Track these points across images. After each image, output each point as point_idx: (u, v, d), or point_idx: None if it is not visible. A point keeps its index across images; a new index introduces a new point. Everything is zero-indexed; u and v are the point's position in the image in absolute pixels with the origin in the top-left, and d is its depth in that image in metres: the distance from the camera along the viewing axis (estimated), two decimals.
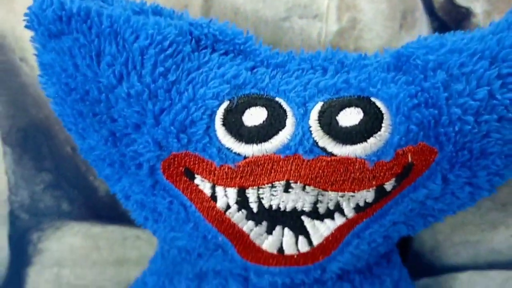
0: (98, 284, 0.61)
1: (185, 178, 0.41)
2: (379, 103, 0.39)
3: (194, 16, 0.45)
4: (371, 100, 0.39)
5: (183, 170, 0.41)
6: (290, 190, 0.39)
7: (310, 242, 0.42)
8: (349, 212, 0.41)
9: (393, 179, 0.39)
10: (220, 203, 0.41)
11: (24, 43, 0.49)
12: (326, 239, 0.42)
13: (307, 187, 0.39)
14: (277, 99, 0.39)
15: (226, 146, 0.39)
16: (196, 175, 0.40)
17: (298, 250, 0.42)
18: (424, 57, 0.38)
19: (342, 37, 0.49)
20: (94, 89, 0.38)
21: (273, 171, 0.39)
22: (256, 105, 0.39)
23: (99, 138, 0.40)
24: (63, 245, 0.59)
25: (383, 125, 0.38)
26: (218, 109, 0.39)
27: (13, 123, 0.52)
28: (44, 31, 0.37)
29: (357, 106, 0.38)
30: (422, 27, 0.49)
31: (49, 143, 0.53)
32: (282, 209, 0.40)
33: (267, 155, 0.39)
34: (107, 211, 0.57)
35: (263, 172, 0.39)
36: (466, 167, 0.39)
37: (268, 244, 0.42)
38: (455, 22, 0.50)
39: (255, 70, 0.41)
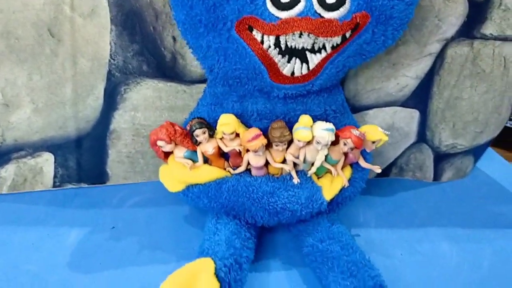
0: (157, 123, 0.95)
1: (248, 32, 0.78)
2: None
3: None
4: None
5: (247, 27, 0.77)
6: (302, 36, 0.78)
7: (308, 68, 0.81)
8: (329, 49, 0.81)
9: (350, 30, 0.80)
10: (265, 45, 0.78)
11: None
12: (316, 65, 0.82)
13: (310, 34, 0.78)
14: None
15: (271, 12, 0.76)
16: (254, 29, 0.77)
17: (301, 73, 0.82)
18: None
19: None
20: None
21: (294, 26, 0.77)
22: None
23: (204, 8, 0.75)
24: (139, 95, 0.91)
25: (346, 1, 0.78)
26: None
27: (119, 9, 0.83)
28: None
29: None
30: None
31: (140, 24, 0.85)
32: (297, 47, 0.79)
33: (291, 18, 0.77)
34: (169, 72, 0.91)
35: (289, 26, 0.77)
36: (383, 24, 0.81)
37: (287, 69, 0.81)
38: None
39: None
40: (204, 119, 0.83)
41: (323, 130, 0.81)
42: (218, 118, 0.87)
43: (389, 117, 1.06)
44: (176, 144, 0.84)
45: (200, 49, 0.81)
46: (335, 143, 0.85)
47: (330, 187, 0.87)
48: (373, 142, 0.88)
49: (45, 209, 0.89)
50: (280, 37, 0.77)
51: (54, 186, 0.94)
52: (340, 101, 0.91)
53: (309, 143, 0.84)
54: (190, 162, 0.84)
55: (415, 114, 1.07)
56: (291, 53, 0.79)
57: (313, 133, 0.82)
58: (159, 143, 0.83)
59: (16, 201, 0.90)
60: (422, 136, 1.11)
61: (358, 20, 0.79)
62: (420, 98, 1.05)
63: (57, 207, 0.90)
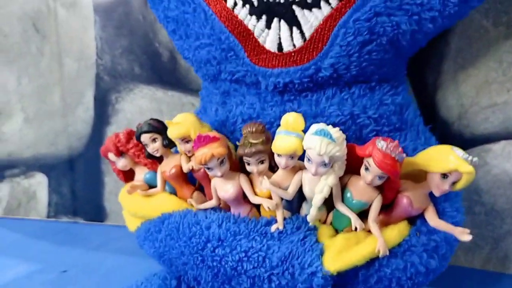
0: None
1: None
2: None
3: None
4: None
5: None
6: None
7: (303, 35, 0.49)
8: (333, 0, 0.47)
9: None
10: (229, 1, 0.50)
11: None
12: (316, 30, 0.49)
13: None
14: None
15: None
16: None
17: (294, 45, 0.50)
18: None
19: None
20: None
21: None
22: None
23: None
24: (134, 107, 0.72)
25: None
26: None
27: None
28: None
29: None
30: None
31: (126, 11, 0.68)
32: (277, 0, 0.48)
33: None
34: (168, 76, 0.69)
35: None
36: None
37: (269, 40, 0.50)
38: None
39: None
40: (160, 122, 0.57)
41: (313, 135, 0.45)
42: None
43: None
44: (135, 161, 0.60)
45: (165, 26, 0.58)
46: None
47: (343, 250, 0.47)
48: (445, 176, 0.46)
49: (33, 239, 0.75)
50: None
51: (48, 216, 0.79)
52: (392, 106, 0.53)
53: None
54: (143, 185, 0.59)
55: None
56: (269, 10, 0.49)
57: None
58: (110, 156, 0.60)
59: (8, 226, 0.79)
60: None
61: None
62: None
63: (42, 238, 0.75)
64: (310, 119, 0.52)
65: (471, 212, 0.63)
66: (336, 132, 0.45)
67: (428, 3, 0.47)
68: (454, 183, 0.46)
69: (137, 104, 0.72)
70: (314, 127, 0.46)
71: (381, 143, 0.44)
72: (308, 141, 0.45)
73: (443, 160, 0.46)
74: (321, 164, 0.45)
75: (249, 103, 0.55)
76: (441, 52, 0.60)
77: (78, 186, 0.77)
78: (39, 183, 0.78)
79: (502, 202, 0.61)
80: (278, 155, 0.48)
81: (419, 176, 0.48)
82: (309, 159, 0.46)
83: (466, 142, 0.61)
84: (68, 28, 0.71)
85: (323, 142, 0.44)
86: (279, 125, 0.52)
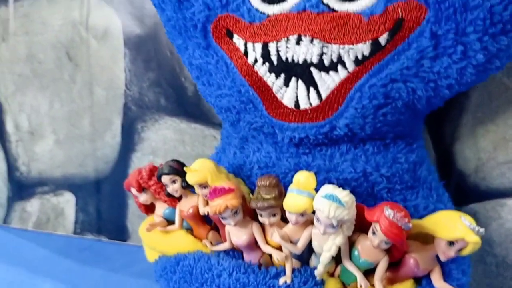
0: None
1: (227, 38, 0.53)
2: None
3: None
4: None
5: (225, 31, 0.53)
6: (300, 42, 0.49)
7: (319, 95, 0.50)
8: (350, 65, 0.48)
9: (386, 33, 0.46)
10: (250, 58, 0.52)
11: None
12: (332, 92, 0.50)
13: (314, 40, 0.48)
14: None
15: (254, 6, 0.51)
16: (234, 34, 0.53)
17: (310, 103, 0.51)
18: None
19: None
20: None
21: (288, 26, 0.49)
22: None
23: (171, 6, 0.55)
24: (158, 136, 0.75)
25: None
26: None
27: (132, 30, 0.72)
28: None
29: None
30: None
31: (155, 47, 0.71)
32: (295, 61, 0.50)
33: (284, 14, 0.49)
34: (192, 109, 0.72)
35: (281, 28, 0.50)
36: (451, 20, 0.45)
37: (287, 97, 0.52)
38: None
39: None
40: (181, 164, 0.59)
41: (323, 198, 0.47)
42: None
43: None
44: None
45: (189, 71, 0.61)
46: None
47: None
48: (451, 244, 0.47)
49: (56, 254, 0.80)
50: (269, 44, 0.50)
51: (75, 232, 0.83)
52: (405, 164, 0.53)
53: None
54: (160, 220, 0.61)
55: None
56: (287, 69, 0.51)
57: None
58: (132, 190, 0.63)
59: (36, 240, 0.83)
60: None
61: (400, 14, 0.46)
62: None
63: (67, 255, 0.79)
64: (323, 173, 0.53)
65: (482, 261, 0.63)
66: (345, 196, 0.46)
67: (445, 72, 0.47)
68: (459, 249, 0.47)
69: (161, 134, 0.74)
70: (324, 190, 0.47)
71: (388, 211, 0.45)
72: (317, 203, 0.47)
73: (450, 227, 0.47)
74: (329, 226, 0.47)
75: (266, 151, 0.57)
76: (461, 104, 0.60)
77: (103, 206, 0.81)
78: (67, 201, 0.83)
79: None
80: (288, 211, 0.49)
81: (428, 237, 0.50)
82: (318, 219, 0.47)
83: (482, 194, 0.62)
84: (99, 59, 0.74)
85: (331, 206, 0.46)
86: (293, 175, 0.54)
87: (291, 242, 0.52)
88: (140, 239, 0.80)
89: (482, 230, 0.46)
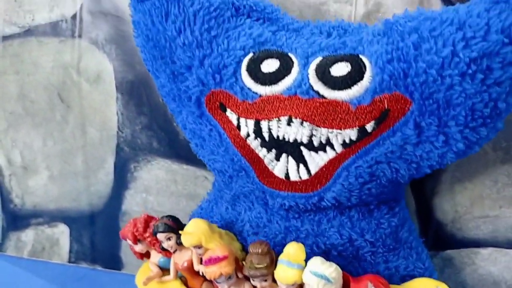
0: (173, 212, 0.76)
1: (220, 111, 0.55)
2: (364, 59, 0.49)
3: None
4: (359, 57, 0.49)
5: (218, 104, 0.55)
6: (291, 124, 0.51)
7: (308, 171, 0.53)
8: (338, 147, 0.51)
9: (373, 121, 0.49)
10: (243, 132, 0.54)
11: None
12: (321, 169, 0.53)
13: (304, 122, 0.50)
14: (289, 54, 0.52)
15: (247, 86, 0.52)
16: (227, 108, 0.55)
17: (300, 177, 0.54)
18: (403, 24, 0.48)
19: (369, 18, 0.60)
20: (162, 39, 0.55)
21: (279, 108, 0.51)
22: (272, 57, 0.52)
23: (165, 76, 0.57)
24: (151, 176, 0.77)
25: (364, 76, 0.48)
26: (244, 58, 0.53)
27: (125, 76, 0.72)
28: None
29: (347, 61, 0.49)
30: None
31: (147, 93, 0.72)
32: (286, 139, 0.52)
33: (275, 95, 0.51)
34: (184, 152, 0.74)
35: (272, 108, 0.52)
36: (434, 115, 0.47)
37: (278, 169, 0.54)
38: None
39: (276, 32, 0.54)
40: (175, 220, 0.62)
41: (311, 274, 0.50)
42: (214, 219, 0.65)
43: None
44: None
45: (183, 130, 0.63)
46: None
47: None
48: None
49: (53, 283, 0.82)
50: (261, 122, 0.53)
51: (69, 260, 0.86)
52: (387, 229, 0.57)
53: None
54: (155, 271, 0.65)
55: None
56: (278, 146, 0.53)
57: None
58: (128, 241, 0.66)
59: (32, 268, 0.86)
60: None
61: (386, 106, 0.48)
62: None
63: (64, 284, 0.82)
64: (312, 238, 0.57)
65: None
66: (332, 272, 0.50)
67: (427, 155, 0.50)
68: None
69: (154, 174, 0.76)
70: (313, 266, 0.51)
71: None
72: (307, 279, 0.51)
73: None
74: None
75: (257, 211, 0.60)
76: None
77: (97, 238, 0.83)
78: (62, 232, 0.85)
79: None
80: (281, 283, 0.53)
81: None
82: None
83: (458, 242, 0.66)
84: (91, 101, 0.74)
85: (320, 283, 0.50)
86: (283, 237, 0.58)
87: None
88: (134, 268, 0.83)
89: None
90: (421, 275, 0.58)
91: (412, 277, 0.57)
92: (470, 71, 0.44)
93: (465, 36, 0.44)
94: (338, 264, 0.53)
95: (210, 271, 0.55)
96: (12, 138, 0.80)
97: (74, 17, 0.72)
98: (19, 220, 0.86)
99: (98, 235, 0.83)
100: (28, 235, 0.86)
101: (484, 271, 0.65)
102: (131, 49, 0.71)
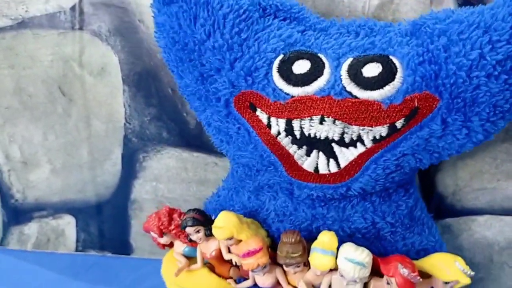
0: (184, 198, 0.79)
1: (249, 110, 0.57)
2: (395, 60, 0.51)
3: None
4: (389, 58, 0.52)
5: (248, 104, 0.56)
6: (324, 122, 0.53)
7: (338, 165, 0.56)
8: (368, 143, 0.54)
9: (403, 119, 0.52)
10: (273, 130, 0.56)
11: (143, 8, 0.68)
12: (351, 163, 0.56)
13: (336, 121, 0.53)
14: (319, 54, 0.54)
15: (279, 87, 0.54)
16: (257, 108, 0.56)
17: (329, 170, 0.57)
18: (432, 26, 0.50)
19: (382, 9, 0.62)
20: (191, 42, 0.55)
21: (312, 107, 0.53)
22: (303, 58, 0.54)
23: (192, 78, 0.57)
24: (161, 165, 0.77)
25: (396, 76, 0.51)
26: (275, 60, 0.54)
27: (131, 68, 0.71)
28: (160, 0, 0.54)
29: (377, 62, 0.52)
30: (449, 3, 0.60)
31: (156, 84, 0.71)
32: (318, 137, 0.54)
33: (308, 96, 0.53)
34: (194, 140, 0.75)
35: (305, 108, 0.54)
36: (461, 112, 0.51)
37: (307, 164, 0.57)
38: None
39: (304, 33, 0.55)
40: (202, 213, 0.64)
41: (347, 261, 0.55)
42: (235, 208, 0.67)
43: (510, 230, 0.71)
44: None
45: (206, 128, 0.63)
46: (381, 274, 0.58)
47: None
48: (447, 283, 0.57)
49: (62, 274, 0.83)
50: (293, 121, 0.54)
51: (77, 250, 0.86)
52: (405, 210, 0.62)
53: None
54: (183, 262, 0.67)
55: None
56: (310, 143, 0.55)
57: (337, 259, 0.56)
58: (152, 234, 0.67)
59: (37, 261, 0.86)
60: None
61: (416, 104, 0.51)
62: None
63: (74, 274, 0.83)
64: (337, 223, 0.61)
65: None
66: (366, 257, 0.55)
67: (449, 146, 0.55)
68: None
69: (164, 163, 0.77)
70: (347, 252, 0.55)
71: (403, 270, 0.54)
72: (342, 265, 0.55)
73: (446, 271, 0.57)
74: (352, 281, 0.55)
75: (282, 200, 0.63)
76: None
77: (105, 226, 0.83)
78: (68, 223, 0.84)
79: (479, 258, 0.73)
80: (316, 269, 0.57)
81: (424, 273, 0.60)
82: (342, 275, 0.56)
83: (457, 212, 0.72)
84: (96, 93, 0.72)
85: (356, 269, 0.54)
86: (309, 224, 0.61)
87: (313, 287, 0.60)
88: (144, 253, 0.85)
89: (472, 273, 0.56)
90: (433, 247, 0.64)
91: (425, 250, 0.63)
92: (496, 73, 0.48)
93: (491, 39, 0.48)
94: (361, 245, 0.58)
95: (248, 263, 0.58)
96: (9, 133, 0.78)
97: (73, 8, 0.68)
98: (21, 214, 0.84)
99: (107, 223, 0.84)
100: (31, 228, 0.85)
101: (480, 235, 0.72)
102: (138, 41, 0.69)
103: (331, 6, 0.63)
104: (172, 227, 0.66)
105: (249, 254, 0.58)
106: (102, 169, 0.79)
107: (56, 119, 0.76)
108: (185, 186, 0.79)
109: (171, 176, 0.78)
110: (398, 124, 0.52)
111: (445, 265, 0.57)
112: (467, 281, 0.56)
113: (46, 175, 0.80)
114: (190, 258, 0.68)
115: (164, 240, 0.67)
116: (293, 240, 0.58)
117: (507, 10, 0.48)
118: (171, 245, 0.69)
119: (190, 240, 0.65)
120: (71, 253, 0.87)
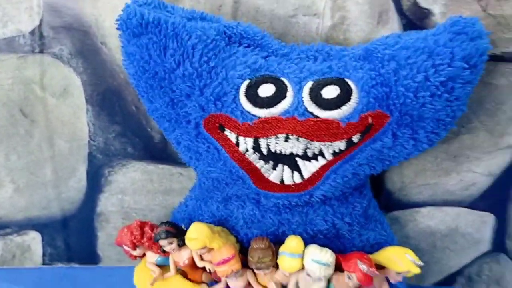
0: (150, 208, 0.82)
1: (219, 131, 0.61)
2: (351, 83, 0.57)
3: (226, 14, 0.64)
4: (345, 81, 0.57)
5: (218, 125, 0.60)
6: (288, 140, 0.58)
7: (302, 176, 0.61)
8: (329, 156, 0.60)
9: (359, 134, 0.58)
10: (242, 148, 0.60)
11: (104, 30, 0.69)
12: (313, 174, 0.61)
13: (300, 138, 0.58)
14: (282, 78, 0.58)
15: (246, 109, 0.58)
16: (226, 129, 0.60)
17: (293, 181, 0.62)
18: (382, 51, 0.56)
19: (334, 29, 0.67)
20: (161, 71, 0.57)
21: (277, 127, 0.58)
22: (267, 82, 0.58)
23: (163, 103, 0.60)
24: (126, 178, 0.80)
25: (352, 98, 0.57)
26: (241, 85, 0.58)
27: (95, 89, 0.72)
28: (130, 32, 0.57)
29: (335, 84, 0.57)
30: (394, 23, 0.66)
31: (119, 103, 0.73)
32: (283, 153, 0.60)
33: (274, 117, 0.58)
34: (159, 153, 0.77)
35: (271, 127, 0.58)
36: (409, 126, 0.58)
37: (273, 176, 0.62)
38: (419, 20, 0.66)
39: (267, 58, 0.60)
40: (174, 225, 0.68)
41: (314, 262, 0.61)
42: (204, 217, 0.71)
43: (450, 219, 0.80)
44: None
45: (175, 147, 0.67)
46: (341, 269, 0.64)
47: None
48: (399, 273, 0.65)
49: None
50: (260, 139, 0.59)
51: (44, 263, 0.87)
52: (360, 210, 0.69)
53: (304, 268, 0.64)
54: (157, 271, 0.71)
55: (488, 218, 0.79)
56: (276, 159, 0.60)
57: (303, 261, 0.62)
58: (125, 247, 0.70)
59: (4, 277, 0.85)
60: (501, 246, 0.82)
61: (370, 121, 0.57)
62: (495, 199, 0.77)
63: (42, 287, 0.84)
64: (302, 226, 0.67)
65: None
66: (330, 257, 0.61)
67: (398, 155, 0.62)
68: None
69: (129, 176, 0.79)
70: (313, 253, 0.61)
71: (362, 266, 0.61)
72: (309, 266, 0.61)
73: (398, 263, 0.64)
74: (317, 280, 0.62)
75: (250, 209, 0.67)
76: None
77: (71, 239, 0.85)
78: (33, 238, 0.84)
79: (423, 245, 0.82)
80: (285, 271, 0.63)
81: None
82: (309, 274, 0.62)
83: (403, 205, 0.80)
84: (59, 114, 0.73)
85: (322, 269, 0.61)
86: (276, 229, 0.67)
87: (282, 286, 0.66)
88: (111, 261, 0.88)
89: (422, 264, 0.64)
90: (385, 241, 0.71)
91: (379, 244, 0.70)
92: (439, 92, 0.55)
93: (434, 63, 0.54)
94: (323, 244, 0.64)
95: (222, 271, 0.63)
96: None
97: (33, 32, 0.68)
98: None
99: (73, 236, 0.85)
100: None
101: (424, 225, 0.81)
102: (101, 62, 0.70)
103: (288, 27, 0.67)
104: (145, 239, 0.69)
105: (223, 262, 0.63)
106: (67, 186, 0.80)
107: (18, 140, 0.76)
108: (151, 197, 0.81)
109: (137, 188, 0.80)
110: (355, 138, 0.59)
111: (397, 258, 0.65)
112: (417, 270, 0.63)
113: (9, 194, 0.80)
114: (163, 267, 0.72)
115: (137, 252, 0.70)
116: (263, 246, 0.64)
117: (447, 36, 0.55)
118: (143, 255, 0.72)
119: (163, 251, 0.69)
120: (38, 267, 0.88)
